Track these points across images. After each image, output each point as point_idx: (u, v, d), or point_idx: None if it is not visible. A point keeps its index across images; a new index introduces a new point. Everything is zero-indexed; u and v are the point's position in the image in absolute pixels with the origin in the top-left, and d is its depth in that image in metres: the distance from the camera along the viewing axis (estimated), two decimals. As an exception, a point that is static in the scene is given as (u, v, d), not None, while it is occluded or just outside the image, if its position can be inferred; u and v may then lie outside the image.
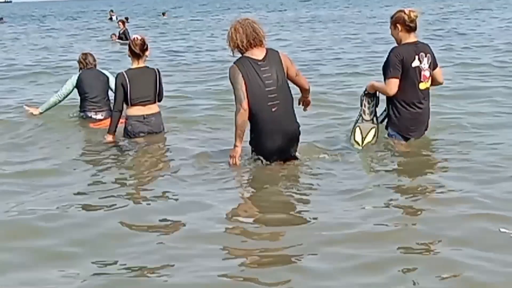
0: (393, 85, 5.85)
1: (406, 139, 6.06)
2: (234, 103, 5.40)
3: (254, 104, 5.26)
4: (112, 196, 4.92)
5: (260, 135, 5.37)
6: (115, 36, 22.83)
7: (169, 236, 4.08)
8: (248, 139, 5.51)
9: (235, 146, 5.45)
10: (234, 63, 5.34)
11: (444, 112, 7.60)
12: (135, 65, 6.66)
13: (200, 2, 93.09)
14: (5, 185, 5.37)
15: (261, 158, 5.46)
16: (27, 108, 8.29)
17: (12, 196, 5.06)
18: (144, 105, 6.63)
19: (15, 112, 8.61)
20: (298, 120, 5.49)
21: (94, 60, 8.10)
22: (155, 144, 6.55)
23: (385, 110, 6.17)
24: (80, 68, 8.07)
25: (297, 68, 5.60)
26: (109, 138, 6.65)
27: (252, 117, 5.33)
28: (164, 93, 6.87)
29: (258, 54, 5.30)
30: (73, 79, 7.93)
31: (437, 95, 7.98)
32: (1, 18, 47.72)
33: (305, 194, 4.89)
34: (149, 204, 4.79)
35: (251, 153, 5.53)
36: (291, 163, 5.52)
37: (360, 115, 6.22)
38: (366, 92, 6.22)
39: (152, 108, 6.70)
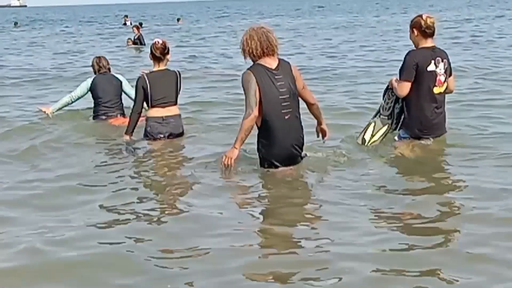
0: (404, 88, 5.99)
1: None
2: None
3: (268, 111, 5.36)
4: (130, 209, 4.87)
5: (273, 142, 5.44)
6: (131, 41, 22.99)
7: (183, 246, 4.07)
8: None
9: (234, 147, 5.51)
10: (248, 69, 5.43)
11: (460, 118, 7.59)
12: (156, 68, 6.85)
13: (215, 8, 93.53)
14: (24, 191, 5.42)
15: (270, 168, 5.50)
16: (40, 108, 8.42)
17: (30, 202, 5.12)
18: (163, 107, 6.77)
19: (33, 117, 8.61)
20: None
21: (108, 63, 8.23)
22: (172, 150, 6.59)
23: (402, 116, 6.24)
24: (94, 72, 8.16)
25: (304, 82, 5.67)
26: (126, 137, 6.78)
27: (264, 124, 5.42)
28: (181, 100, 6.94)
29: (271, 62, 5.41)
30: (88, 83, 8.08)
31: (454, 103, 7.98)
32: (16, 23, 48.14)
33: (323, 204, 4.82)
34: (166, 213, 4.78)
35: (260, 165, 5.57)
36: (300, 168, 5.58)
37: (379, 110, 6.38)
38: (389, 87, 6.31)
39: (172, 110, 6.84)
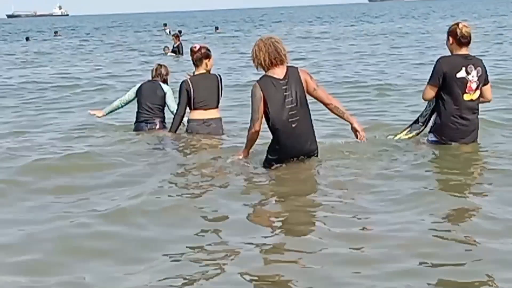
0: (427, 92, 6.24)
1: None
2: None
3: (275, 120, 5.67)
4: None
5: (280, 150, 5.77)
6: (168, 49, 23.30)
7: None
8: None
9: (243, 151, 6.02)
10: (256, 81, 5.76)
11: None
12: (197, 72, 7.22)
13: (253, 16, 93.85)
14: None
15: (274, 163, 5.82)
16: (92, 112, 8.77)
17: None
18: (205, 109, 7.13)
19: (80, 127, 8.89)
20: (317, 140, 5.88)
21: (167, 73, 8.39)
22: (208, 147, 6.85)
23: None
24: (151, 77, 8.42)
25: (317, 82, 5.91)
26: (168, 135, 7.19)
27: (272, 132, 5.78)
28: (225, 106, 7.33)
29: (279, 72, 5.70)
30: (135, 88, 8.39)
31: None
32: (56, 32, 49.19)
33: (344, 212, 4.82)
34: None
35: (263, 164, 5.88)
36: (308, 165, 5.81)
37: (418, 117, 6.67)
38: None
39: (213, 113, 7.19)
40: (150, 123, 8.15)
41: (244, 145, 6.07)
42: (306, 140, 5.74)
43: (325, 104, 5.91)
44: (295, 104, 5.65)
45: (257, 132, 5.80)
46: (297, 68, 5.81)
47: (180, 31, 32.22)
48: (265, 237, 4.32)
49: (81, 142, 7.70)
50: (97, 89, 13.77)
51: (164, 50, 23.74)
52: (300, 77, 5.72)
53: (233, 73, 16.37)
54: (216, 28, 46.48)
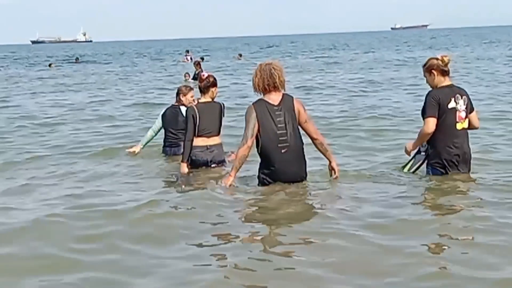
0: (431, 124, 6.38)
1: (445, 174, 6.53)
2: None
3: (266, 144, 6.07)
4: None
5: (270, 173, 6.17)
6: (189, 75, 23.87)
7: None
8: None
9: (229, 175, 6.30)
10: (252, 103, 6.17)
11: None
12: (203, 99, 7.64)
13: (275, 43, 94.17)
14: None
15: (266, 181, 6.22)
16: (129, 150, 9.16)
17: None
18: (208, 137, 7.54)
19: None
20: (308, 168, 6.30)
21: (186, 89, 8.72)
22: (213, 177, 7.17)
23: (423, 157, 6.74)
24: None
25: (309, 116, 6.29)
26: (184, 169, 7.47)
27: (262, 155, 6.15)
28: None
29: (274, 98, 6.10)
30: (160, 115, 8.92)
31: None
32: (77, 58, 50.32)
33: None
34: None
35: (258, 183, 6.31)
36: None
37: (419, 147, 6.78)
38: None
39: (215, 140, 7.61)
40: (174, 147, 8.68)
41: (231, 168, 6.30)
42: (294, 165, 6.13)
43: (313, 139, 6.28)
44: (286, 130, 6.03)
45: (249, 148, 6.10)
46: (292, 97, 6.20)
47: (202, 58, 32.77)
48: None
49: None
50: (121, 118, 14.13)
51: (184, 76, 24.35)
52: (294, 106, 6.10)
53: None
54: (240, 55, 47.24)
